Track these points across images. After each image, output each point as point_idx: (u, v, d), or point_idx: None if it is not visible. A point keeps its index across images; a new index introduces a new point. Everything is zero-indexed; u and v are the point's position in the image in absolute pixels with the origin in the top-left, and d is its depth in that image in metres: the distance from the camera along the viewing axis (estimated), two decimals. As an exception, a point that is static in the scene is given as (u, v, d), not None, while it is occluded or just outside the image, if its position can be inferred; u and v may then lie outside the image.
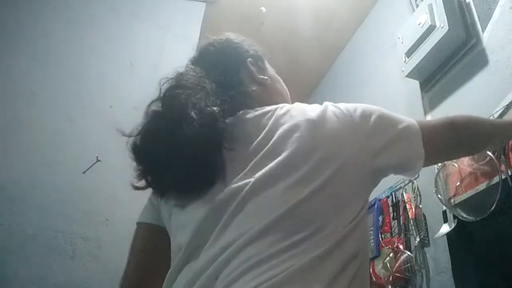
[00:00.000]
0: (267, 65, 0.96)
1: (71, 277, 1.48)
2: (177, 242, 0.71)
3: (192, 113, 0.70)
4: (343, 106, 0.77)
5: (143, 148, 0.74)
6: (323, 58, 2.74)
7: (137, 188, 0.77)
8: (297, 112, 0.75)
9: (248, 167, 0.69)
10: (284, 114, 0.75)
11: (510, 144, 1.18)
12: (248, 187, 0.66)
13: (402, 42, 1.71)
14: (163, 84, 0.78)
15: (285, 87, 0.96)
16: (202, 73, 0.81)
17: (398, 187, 1.72)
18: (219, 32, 0.97)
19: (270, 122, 0.74)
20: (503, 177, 1.17)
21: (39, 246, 1.47)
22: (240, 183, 0.67)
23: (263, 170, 0.67)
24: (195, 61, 0.91)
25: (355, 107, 0.76)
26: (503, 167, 1.18)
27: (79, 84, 1.78)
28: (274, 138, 0.71)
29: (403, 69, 1.71)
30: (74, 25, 1.88)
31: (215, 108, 0.73)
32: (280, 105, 0.79)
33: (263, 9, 2.32)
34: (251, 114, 0.78)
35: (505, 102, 1.26)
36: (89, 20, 1.92)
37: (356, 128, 0.73)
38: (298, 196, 0.64)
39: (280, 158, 0.68)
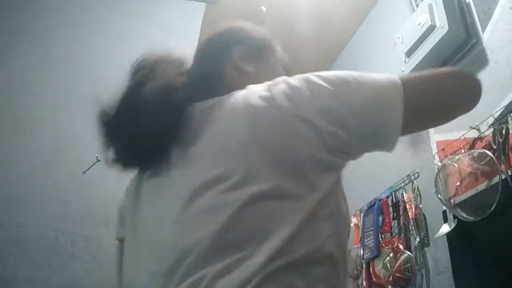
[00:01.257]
0: (269, 60, 0.88)
1: (71, 277, 1.48)
2: (132, 259, 0.69)
3: (156, 80, 0.67)
4: (298, 81, 0.63)
5: (107, 118, 0.73)
6: (323, 58, 2.74)
7: (107, 162, 0.75)
8: (242, 99, 0.64)
9: (191, 170, 0.63)
10: (229, 103, 0.65)
11: (510, 144, 1.18)
12: (189, 193, 0.59)
13: (402, 42, 1.71)
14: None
15: None
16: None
17: (398, 187, 1.72)
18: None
19: (214, 116, 0.65)
20: (503, 177, 1.17)
21: (39, 246, 1.47)
22: (183, 187, 0.61)
23: (204, 173, 0.60)
24: None
25: (311, 78, 0.63)
26: (503, 167, 1.18)
27: (80, 84, 1.78)
28: (215, 134, 0.64)
29: (403, 69, 1.70)
30: (74, 25, 1.88)
31: (180, 78, 0.69)
32: (228, 94, 0.67)
33: (263, 8, 2.32)
34: (198, 108, 0.69)
35: (505, 102, 1.26)
36: (90, 20, 1.92)
37: (304, 105, 0.60)
38: (240, 200, 0.56)
39: (218, 158, 0.61)
